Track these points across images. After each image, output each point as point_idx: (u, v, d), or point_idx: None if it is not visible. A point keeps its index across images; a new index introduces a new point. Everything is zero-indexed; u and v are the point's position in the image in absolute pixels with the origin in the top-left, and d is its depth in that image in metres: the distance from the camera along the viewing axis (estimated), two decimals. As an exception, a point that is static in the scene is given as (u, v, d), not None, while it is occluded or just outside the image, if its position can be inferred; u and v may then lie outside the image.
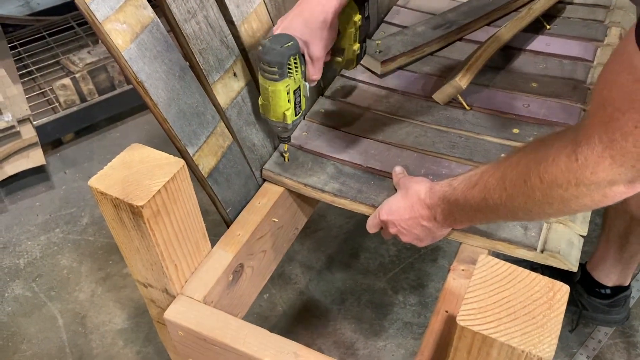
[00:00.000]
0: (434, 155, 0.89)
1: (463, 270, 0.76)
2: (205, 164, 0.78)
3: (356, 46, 0.86)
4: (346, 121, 0.96)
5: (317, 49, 0.77)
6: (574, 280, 1.18)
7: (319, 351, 0.69)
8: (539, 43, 1.08)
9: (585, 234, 0.78)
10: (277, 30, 0.77)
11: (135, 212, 0.66)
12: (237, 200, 0.85)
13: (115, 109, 1.69)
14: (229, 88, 0.80)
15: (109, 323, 1.28)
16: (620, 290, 1.16)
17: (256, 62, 0.77)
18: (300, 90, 0.80)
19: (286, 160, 0.89)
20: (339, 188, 0.86)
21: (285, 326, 1.26)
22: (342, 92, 1.02)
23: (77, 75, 1.59)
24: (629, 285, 1.17)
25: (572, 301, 1.18)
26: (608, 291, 1.15)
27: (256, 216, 0.84)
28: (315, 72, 0.80)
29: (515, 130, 0.91)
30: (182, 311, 0.74)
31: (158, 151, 0.71)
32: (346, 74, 1.06)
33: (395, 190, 0.82)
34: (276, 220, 0.88)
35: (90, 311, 1.30)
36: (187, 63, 0.74)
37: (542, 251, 0.74)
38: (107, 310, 1.30)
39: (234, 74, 0.80)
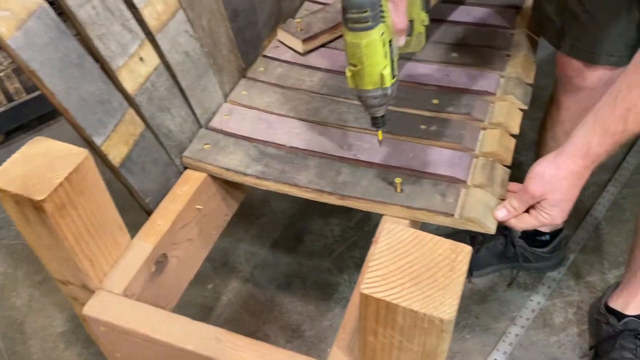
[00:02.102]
0: (356, 131, 0.89)
1: (385, 242, 0.76)
2: (116, 154, 0.76)
3: (424, 15, 0.77)
4: (269, 102, 0.95)
5: None
6: (515, 237, 1.21)
7: (265, 337, 0.69)
8: (460, 13, 1.08)
9: (503, 197, 0.79)
10: None
11: (37, 207, 0.63)
12: (157, 189, 0.83)
13: (46, 107, 1.63)
14: (136, 74, 0.77)
15: (49, 327, 1.24)
16: (557, 233, 1.22)
17: (343, 18, 0.64)
18: (393, 43, 0.68)
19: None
20: (262, 170, 0.84)
21: (230, 315, 1.25)
22: (264, 73, 1.01)
23: (1, 75, 1.53)
24: (563, 227, 1.23)
25: (513, 257, 1.22)
26: (547, 237, 1.21)
27: (177, 204, 0.83)
28: (400, 20, 0.68)
29: (435, 101, 0.91)
30: (101, 306, 0.72)
31: (62, 143, 0.69)
32: (269, 54, 1.04)
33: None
34: (200, 207, 0.86)
35: (28, 316, 1.26)
36: (86, 50, 0.71)
37: (460, 217, 0.75)
38: (46, 314, 1.26)
39: (141, 59, 0.78)
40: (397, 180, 0.78)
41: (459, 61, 0.98)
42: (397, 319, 0.52)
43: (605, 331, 1.07)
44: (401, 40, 0.71)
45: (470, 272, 1.25)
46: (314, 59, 1.03)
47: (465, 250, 0.54)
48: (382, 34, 0.65)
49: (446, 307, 0.50)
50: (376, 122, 0.75)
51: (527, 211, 0.74)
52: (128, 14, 0.75)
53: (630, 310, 1.04)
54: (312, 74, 1.00)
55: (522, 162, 1.42)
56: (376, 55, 0.66)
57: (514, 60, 0.97)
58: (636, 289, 1.02)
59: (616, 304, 1.06)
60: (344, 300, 1.26)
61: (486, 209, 0.75)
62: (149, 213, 0.84)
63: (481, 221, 0.74)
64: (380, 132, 0.77)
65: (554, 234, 1.22)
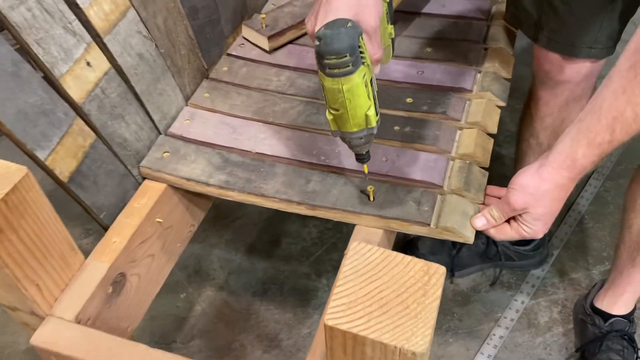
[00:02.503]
0: (327, 134, 0.83)
1: (358, 254, 0.71)
2: (64, 168, 0.70)
3: (390, 28, 0.73)
4: (233, 104, 0.89)
5: (371, 18, 0.62)
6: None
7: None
8: (434, 5, 1.03)
9: (482, 202, 0.75)
10: (316, 26, 0.62)
11: (-30, 233, 0.57)
12: (112, 203, 0.77)
13: None
14: (82, 80, 0.71)
15: (13, 344, 1.18)
16: None
17: (317, 64, 0.60)
18: (373, 79, 0.64)
19: (372, 198, 0.73)
20: (226, 179, 0.79)
21: (204, 326, 1.20)
22: (228, 73, 0.95)
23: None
24: None
25: (495, 256, 1.18)
26: None
27: (135, 219, 0.77)
28: (375, 50, 0.64)
29: (409, 100, 0.86)
30: (50, 334, 0.66)
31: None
32: (233, 53, 0.98)
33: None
34: (161, 220, 0.80)
35: (-9, 334, 1.20)
36: (24, 57, 0.65)
37: (436, 226, 0.70)
38: (10, 331, 1.20)
39: (88, 64, 0.71)
40: (370, 188, 0.73)
41: (433, 56, 0.93)
42: (366, 351, 0.47)
43: (591, 332, 1.03)
44: (376, 69, 0.67)
45: (452, 272, 1.21)
46: (281, 57, 0.97)
47: (439, 272, 0.49)
48: (364, 75, 0.60)
49: (419, 338, 0.46)
50: (361, 158, 0.70)
51: (507, 221, 0.69)
52: (71, 15, 0.69)
53: (617, 310, 1.01)
54: (279, 73, 0.94)
55: (503, 155, 1.37)
56: (359, 98, 0.61)
57: (491, 54, 0.93)
58: (622, 287, 0.99)
59: (602, 303, 1.03)
60: (323, 305, 1.21)
61: (464, 217, 0.71)
62: (105, 229, 0.78)
63: (459, 231, 0.69)
64: (365, 166, 0.72)
65: None
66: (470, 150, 0.78)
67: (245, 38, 1.00)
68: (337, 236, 1.33)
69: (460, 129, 0.82)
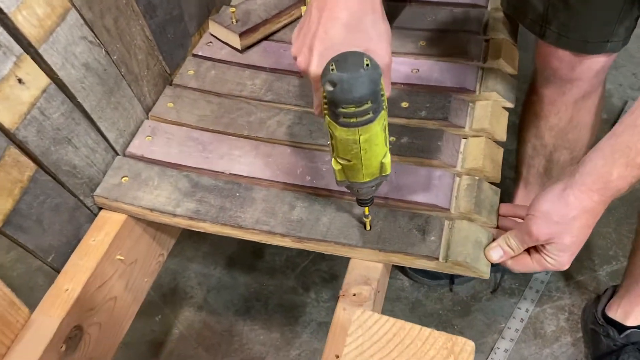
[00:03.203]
0: (311, 148, 0.72)
1: (355, 295, 0.61)
2: (-4, 211, 0.58)
3: None
4: (202, 115, 0.77)
5: (386, 53, 0.53)
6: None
7: None
8: (426, -10, 0.92)
9: (496, 225, 0.65)
10: (313, 63, 0.51)
11: None
12: (63, 243, 0.66)
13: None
14: (14, 101, 0.58)
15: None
16: None
17: (327, 110, 0.49)
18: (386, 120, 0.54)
19: (368, 227, 0.63)
20: (196, 208, 0.67)
21: (183, 351, 1.09)
22: (195, 78, 0.82)
23: None
24: None
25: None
26: None
27: (90, 259, 0.65)
28: (389, 87, 0.55)
29: (404, 104, 0.75)
30: (-10, 414, 0.55)
31: None
32: (199, 53, 0.86)
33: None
34: (122, 258, 0.69)
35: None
36: None
37: (445, 259, 0.60)
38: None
39: (19, 81, 0.59)
40: (367, 214, 0.62)
41: (429, 52, 0.82)
42: None
43: (604, 344, 0.95)
44: None
45: (452, 280, 1.12)
46: (255, 57, 0.85)
47: (466, 350, 0.39)
48: (384, 121, 0.50)
49: None
50: (365, 203, 0.60)
51: (527, 250, 0.60)
52: (-8, 23, 0.56)
53: (632, 321, 0.93)
54: (253, 76, 0.82)
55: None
56: (376, 147, 0.51)
57: (494, 47, 0.82)
58: (638, 297, 0.90)
59: (615, 314, 0.94)
60: (313, 323, 1.11)
61: (476, 247, 0.61)
62: (57, 272, 0.66)
63: (472, 265, 0.59)
64: (367, 209, 0.61)
65: None
66: (479, 164, 0.67)
67: (213, 35, 0.88)
68: (324, 243, 1.23)
69: (465, 137, 0.72)
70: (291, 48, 0.55)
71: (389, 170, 0.54)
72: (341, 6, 0.50)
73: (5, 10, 0.57)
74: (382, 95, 0.49)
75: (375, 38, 0.51)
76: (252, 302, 1.15)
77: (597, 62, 0.77)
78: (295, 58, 0.54)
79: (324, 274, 1.18)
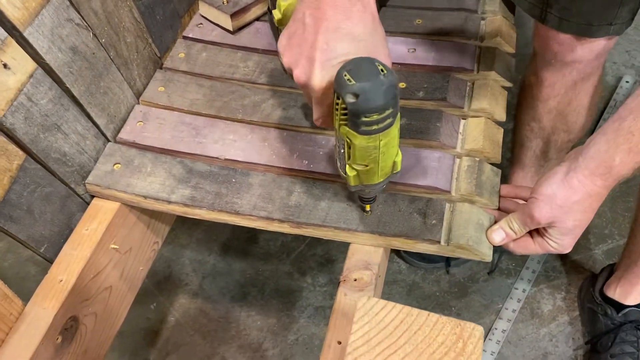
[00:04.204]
0: (307, 132, 0.70)
1: (356, 280, 0.60)
2: (-16, 201, 0.56)
3: None
4: (194, 99, 0.75)
5: (386, 57, 0.52)
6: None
7: None
8: (420, -33, 0.90)
9: (497, 206, 0.64)
10: (315, 75, 0.49)
11: None
12: (55, 233, 0.64)
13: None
14: (0, 87, 0.56)
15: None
16: None
17: (348, 120, 0.48)
18: None
19: (368, 213, 0.62)
20: (191, 194, 0.66)
21: (179, 339, 1.08)
22: (186, 61, 0.80)
23: None
24: None
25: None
26: None
27: (84, 249, 0.64)
28: None
29: (402, 85, 0.73)
30: (-15, 409, 0.54)
31: None
32: (190, 35, 0.83)
33: None
34: (117, 247, 0.67)
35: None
36: None
37: (447, 243, 0.59)
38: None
39: (5, 66, 0.56)
40: (367, 209, 0.61)
41: (425, 30, 0.80)
42: None
43: (602, 323, 0.95)
44: None
45: (448, 262, 1.12)
46: (247, 38, 0.83)
47: (475, 334, 0.38)
48: (399, 122, 0.50)
49: None
50: (369, 200, 0.60)
51: (529, 233, 0.59)
52: (-27, 5, 0.54)
53: (631, 300, 0.93)
54: (246, 58, 0.80)
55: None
56: (393, 148, 0.52)
57: (490, 25, 0.80)
58: (637, 277, 0.90)
59: (614, 293, 0.94)
60: (309, 307, 1.11)
61: (479, 230, 0.60)
62: (50, 262, 0.65)
63: (474, 248, 0.58)
64: (368, 205, 0.61)
65: None
66: (479, 145, 0.66)
67: (203, 16, 0.85)
68: (320, 227, 1.22)
69: (464, 117, 0.70)
70: (280, 57, 0.53)
71: (399, 167, 0.54)
72: (341, 17, 0.48)
73: (-13, -8, 0.54)
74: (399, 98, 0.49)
75: (378, 45, 0.50)
76: (248, 288, 1.14)
77: (598, 45, 0.76)
78: (289, 69, 0.52)
79: (320, 258, 1.18)
